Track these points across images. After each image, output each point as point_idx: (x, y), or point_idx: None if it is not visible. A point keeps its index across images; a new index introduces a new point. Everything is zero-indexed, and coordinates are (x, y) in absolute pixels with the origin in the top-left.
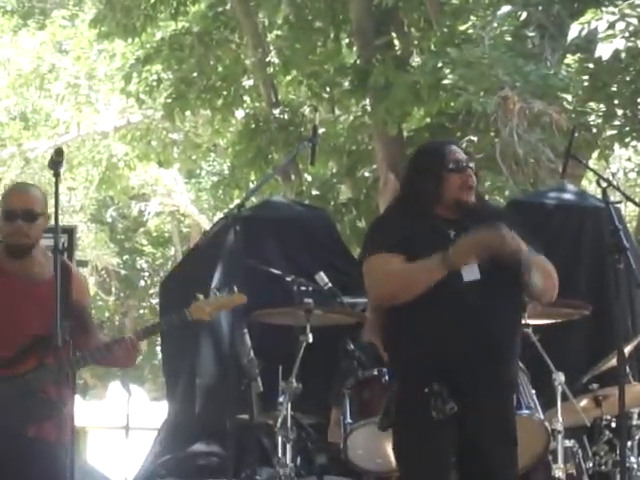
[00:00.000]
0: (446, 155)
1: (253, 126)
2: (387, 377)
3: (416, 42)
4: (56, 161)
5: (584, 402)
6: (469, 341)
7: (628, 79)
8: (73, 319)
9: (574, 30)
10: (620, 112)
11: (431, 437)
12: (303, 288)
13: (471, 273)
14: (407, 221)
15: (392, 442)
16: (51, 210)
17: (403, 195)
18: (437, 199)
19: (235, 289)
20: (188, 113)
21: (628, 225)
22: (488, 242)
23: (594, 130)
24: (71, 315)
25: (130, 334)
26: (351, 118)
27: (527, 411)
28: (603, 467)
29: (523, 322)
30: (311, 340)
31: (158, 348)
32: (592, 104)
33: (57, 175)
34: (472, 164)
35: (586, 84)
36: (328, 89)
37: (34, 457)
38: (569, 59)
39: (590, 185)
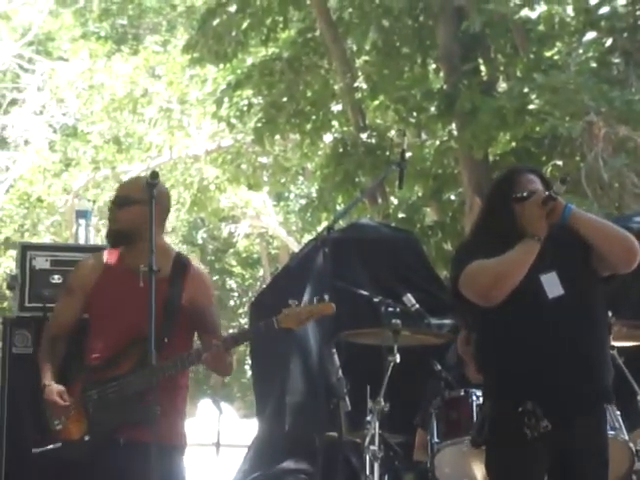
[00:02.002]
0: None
1: (341, 150)
2: (474, 397)
3: (502, 68)
4: (151, 184)
5: None
6: (559, 357)
7: None
8: (185, 319)
9: None
10: None
11: (524, 455)
12: (391, 309)
13: (555, 289)
14: (491, 244)
15: (485, 459)
16: None
17: (483, 224)
18: (512, 228)
19: (326, 298)
20: (277, 137)
21: None
22: (539, 198)
23: None
24: (181, 315)
25: (217, 341)
26: (437, 142)
27: (612, 432)
28: None
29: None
30: (399, 360)
31: (247, 367)
32: None
33: (152, 197)
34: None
35: None
36: (415, 114)
37: (127, 461)
38: None
39: None
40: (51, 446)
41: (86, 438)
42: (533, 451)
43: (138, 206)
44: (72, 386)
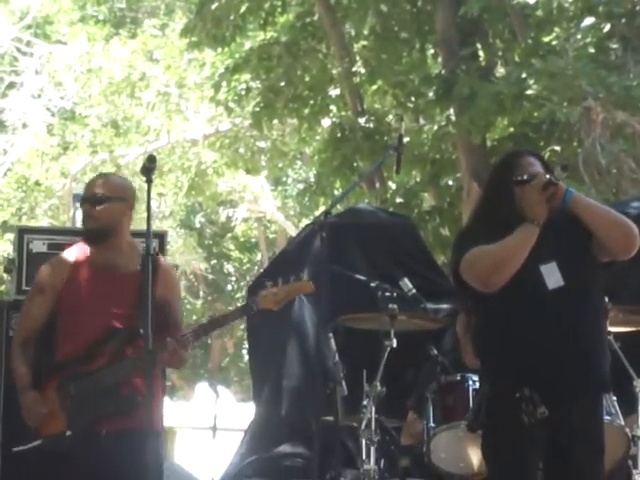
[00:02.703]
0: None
1: (339, 135)
2: (470, 382)
3: (500, 53)
4: (149, 167)
5: None
6: (558, 348)
7: None
8: (155, 313)
9: None
10: None
11: (521, 441)
12: (387, 294)
13: (555, 280)
14: (491, 229)
15: (481, 444)
16: (142, 215)
17: (483, 209)
18: (512, 212)
19: (303, 276)
20: (275, 122)
21: None
22: (540, 183)
23: None
24: (154, 309)
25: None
26: (435, 127)
27: (608, 417)
28: None
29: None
30: (395, 345)
31: (244, 351)
32: None
33: (149, 181)
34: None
35: None
36: (413, 99)
37: (109, 451)
38: None
39: None
40: (32, 444)
41: (67, 433)
42: (529, 436)
43: (113, 203)
44: (45, 383)
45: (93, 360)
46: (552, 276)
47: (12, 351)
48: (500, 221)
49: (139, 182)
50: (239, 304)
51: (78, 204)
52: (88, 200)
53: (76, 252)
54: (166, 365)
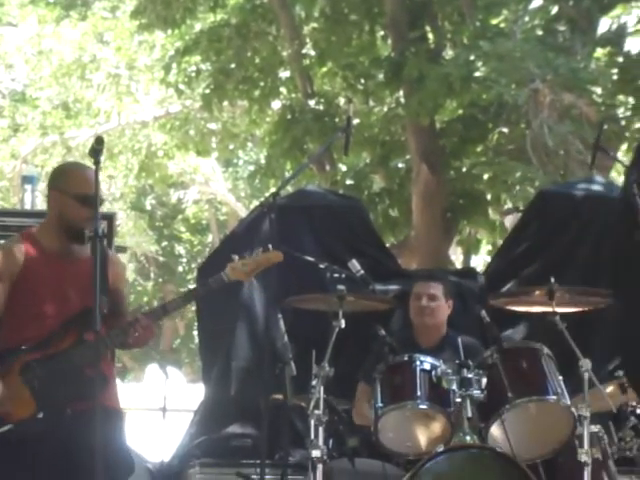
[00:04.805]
0: None
1: (289, 117)
2: (418, 362)
3: (449, 35)
4: (97, 149)
5: (610, 388)
6: None
7: None
8: (109, 298)
9: (604, 24)
10: None
11: None
12: (336, 275)
13: None
14: None
15: None
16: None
17: None
18: None
19: (270, 247)
20: (226, 103)
21: None
22: None
23: (623, 122)
24: (108, 296)
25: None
26: (385, 109)
27: (554, 397)
28: (628, 452)
29: (552, 310)
30: (344, 326)
31: (195, 332)
32: (621, 97)
33: (97, 163)
34: None
35: (615, 77)
36: (362, 81)
37: (75, 430)
38: (599, 53)
39: (619, 177)
40: (2, 429)
41: (39, 415)
42: None
43: (51, 191)
44: (6, 372)
45: (55, 344)
46: None
47: None
48: None
49: (88, 164)
50: (190, 286)
51: (27, 186)
52: (95, 203)
53: (29, 238)
54: (139, 343)
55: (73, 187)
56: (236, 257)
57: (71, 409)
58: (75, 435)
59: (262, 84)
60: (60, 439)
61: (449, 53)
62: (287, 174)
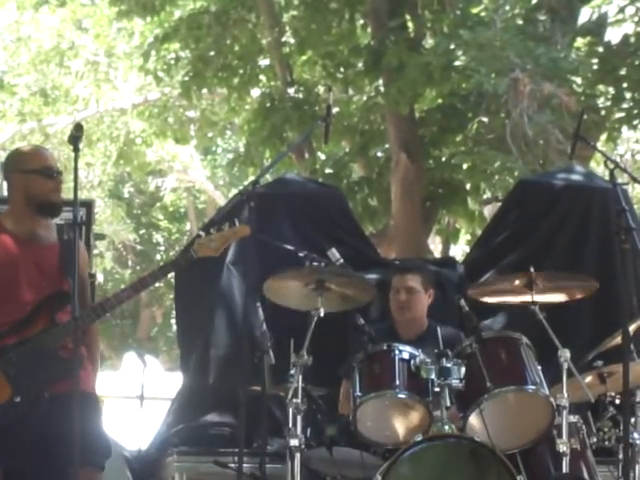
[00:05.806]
0: None
1: (268, 105)
2: (397, 352)
3: (429, 24)
4: (75, 136)
5: (589, 379)
6: None
7: (637, 63)
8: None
9: (584, 14)
10: (628, 95)
11: None
12: (315, 264)
13: None
14: None
15: None
16: (70, 184)
17: None
18: None
19: (236, 222)
20: (205, 91)
21: (635, 206)
22: None
23: (603, 112)
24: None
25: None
26: (364, 98)
27: (533, 387)
28: (607, 442)
29: (531, 300)
30: (322, 314)
31: (173, 320)
32: (601, 87)
33: (76, 150)
34: None
35: (595, 67)
36: (342, 69)
37: (53, 413)
38: (579, 42)
39: (598, 166)
40: None
41: (17, 399)
42: None
43: (12, 175)
44: None
45: (28, 327)
46: None
47: None
48: None
49: (67, 151)
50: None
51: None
52: (58, 174)
53: None
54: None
55: (33, 163)
56: (202, 234)
57: (48, 392)
58: (53, 419)
59: (241, 72)
60: (38, 423)
61: (429, 42)
62: (266, 162)
